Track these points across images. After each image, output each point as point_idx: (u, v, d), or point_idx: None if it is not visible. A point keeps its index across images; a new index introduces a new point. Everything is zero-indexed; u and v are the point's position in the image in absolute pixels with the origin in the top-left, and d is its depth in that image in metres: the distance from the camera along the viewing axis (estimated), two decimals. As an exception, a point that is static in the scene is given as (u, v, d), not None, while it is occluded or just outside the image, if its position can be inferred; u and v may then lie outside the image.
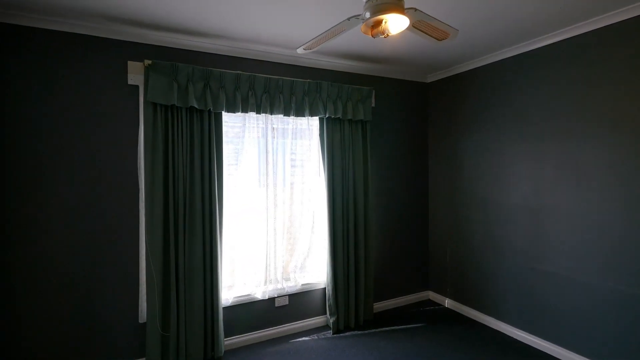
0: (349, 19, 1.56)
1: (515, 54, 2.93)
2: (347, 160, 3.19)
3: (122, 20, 2.31)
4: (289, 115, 2.93)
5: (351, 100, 3.19)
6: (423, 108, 3.86)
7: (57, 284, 2.33)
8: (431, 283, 3.89)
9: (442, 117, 3.72)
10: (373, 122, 3.54)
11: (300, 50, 1.89)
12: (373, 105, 3.52)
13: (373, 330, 3.15)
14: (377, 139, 3.57)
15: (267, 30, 2.52)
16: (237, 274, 2.91)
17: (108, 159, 2.46)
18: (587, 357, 2.49)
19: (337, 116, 3.09)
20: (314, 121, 3.18)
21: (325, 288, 3.26)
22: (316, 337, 3.03)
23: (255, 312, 2.97)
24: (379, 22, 1.48)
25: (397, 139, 3.69)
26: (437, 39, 1.74)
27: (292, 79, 2.96)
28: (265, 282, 2.98)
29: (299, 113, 2.98)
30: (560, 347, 2.65)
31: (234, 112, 2.72)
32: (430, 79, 3.82)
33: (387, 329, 3.18)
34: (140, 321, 2.55)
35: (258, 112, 2.81)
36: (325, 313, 3.29)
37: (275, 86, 2.86)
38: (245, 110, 2.76)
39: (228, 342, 2.85)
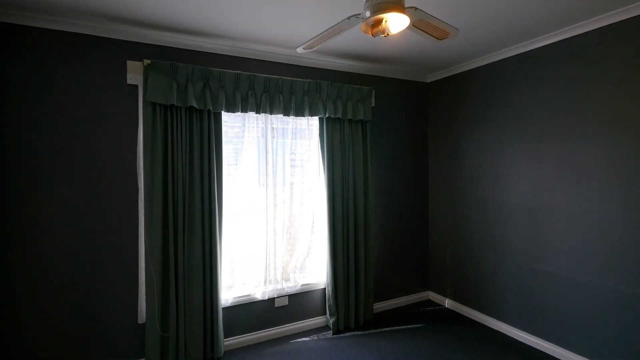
0: (349, 18, 1.56)
1: (515, 53, 2.93)
2: (347, 160, 3.18)
3: (122, 19, 2.31)
4: (288, 115, 2.92)
5: (351, 100, 3.18)
6: (423, 108, 3.86)
7: (56, 284, 2.33)
8: (431, 283, 3.89)
9: (442, 117, 3.72)
10: (373, 122, 3.53)
11: (300, 50, 1.89)
12: (373, 105, 3.52)
13: (373, 331, 3.15)
14: (377, 139, 3.57)
15: (267, 30, 2.51)
16: (236, 274, 2.91)
17: (107, 158, 2.45)
18: (587, 357, 2.48)
19: (337, 116, 3.08)
20: (314, 121, 3.18)
21: (325, 288, 3.25)
22: (316, 338, 3.03)
23: (255, 313, 2.97)
24: (379, 21, 1.48)
25: (397, 139, 3.68)
26: (438, 39, 1.74)
27: (292, 78, 2.95)
28: (265, 282, 2.97)
29: (299, 113, 2.97)
30: (560, 348, 2.65)
31: (234, 112, 2.71)
32: (431, 78, 3.82)
33: (387, 329, 3.18)
34: (140, 321, 2.54)
35: (258, 112, 2.81)
36: (325, 313, 3.28)
37: (275, 86, 2.86)
38: (244, 110, 2.76)
39: (228, 342, 2.84)
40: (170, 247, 2.49)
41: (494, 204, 3.16)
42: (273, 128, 2.99)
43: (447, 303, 3.65)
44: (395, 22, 1.48)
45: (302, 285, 3.15)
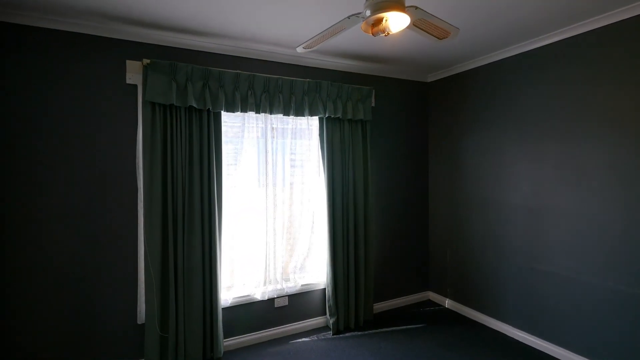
0: (349, 17, 1.55)
1: (515, 53, 2.93)
2: (347, 160, 3.18)
3: (122, 19, 2.30)
4: (288, 115, 2.91)
5: (351, 99, 3.18)
6: (423, 108, 3.86)
7: (55, 284, 2.32)
8: (431, 283, 3.88)
9: (442, 117, 3.71)
10: (373, 121, 3.53)
11: (299, 49, 1.88)
12: (373, 104, 3.51)
13: (373, 331, 3.14)
14: (377, 139, 3.56)
15: (267, 30, 2.51)
16: (236, 274, 2.90)
17: (107, 158, 2.45)
18: (587, 357, 2.48)
19: (337, 116, 3.08)
20: (314, 121, 3.17)
21: (325, 288, 3.25)
22: (316, 338, 3.02)
23: (255, 313, 2.96)
24: (380, 21, 1.47)
25: (397, 139, 3.68)
26: (438, 38, 1.73)
27: (292, 78, 2.94)
28: (265, 282, 2.96)
29: (299, 113, 2.97)
30: (560, 348, 2.64)
31: (233, 112, 2.71)
32: (431, 78, 3.82)
33: (387, 329, 3.17)
34: (139, 322, 2.54)
35: (257, 112, 2.80)
36: (325, 314, 3.28)
37: (275, 86, 2.85)
38: (244, 109, 2.75)
39: (227, 343, 2.83)
40: (170, 247, 2.48)
41: (494, 204, 3.16)
42: (273, 128, 2.99)
43: (447, 303, 3.65)
44: (396, 21, 1.47)
45: (302, 285, 3.14)
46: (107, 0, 2.04)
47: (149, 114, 2.43)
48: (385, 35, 1.51)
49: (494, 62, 3.14)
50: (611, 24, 2.33)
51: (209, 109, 2.58)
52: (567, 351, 2.60)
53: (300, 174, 3.11)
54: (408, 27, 1.60)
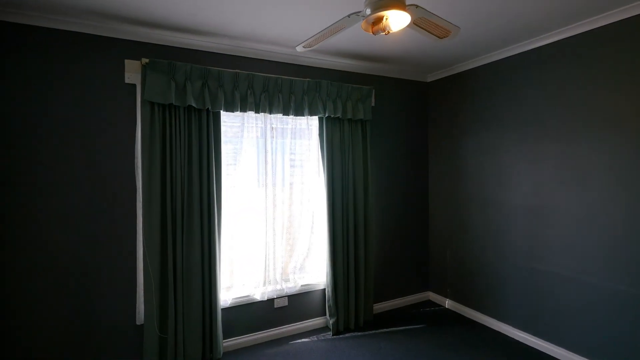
0: (349, 15, 1.54)
1: (516, 52, 2.92)
2: (346, 160, 3.17)
3: (122, 18, 2.29)
4: (288, 115, 2.90)
5: (351, 99, 3.17)
6: (423, 108, 3.85)
7: (55, 285, 2.31)
8: (431, 284, 3.87)
9: (442, 117, 3.70)
10: (373, 121, 3.52)
11: (299, 48, 1.87)
12: (373, 104, 3.50)
13: (373, 332, 3.13)
14: (377, 139, 3.55)
15: (267, 29, 2.49)
16: (235, 274, 2.89)
17: (106, 158, 2.43)
18: (587, 357, 2.47)
19: (337, 115, 3.07)
20: (314, 121, 3.16)
21: (324, 289, 3.24)
22: (316, 339, 3.01)
23: (254, 314, 2.95)
24: (380, 19, 1.46)
25: (397, 138, 3.67)
26: (439, 37, 1.72)
27: (291, 78, 2.93)
28: (264, 283, 2.95)
29: (298, 112, 2.96)
30: (560, 348, 2.63)
31: (233, 112, 2.69)
32: (431, 78, 3.81)
33: (387, 330, 3.16)
34: (138, 322, 2.52)
35: (257, 112, 2.79)
36: (324, 314, 3.26)
37: (274, 85, 2.84)
38: (244, 109, 2.74)
39: (227, 343, 2.82)
40: (169, 248, 2.47)
41: (494, 204, 3.15)
42: (272, 128, 2.98)
43: (447, 303, 3.64)
44: (396, 20, 1.46)
45: (301, 285, 3.13)
46: (106, -1, 2.03)
47: (148, 113, 2.42)
48: (385, 34, 1.50)
49: (494, 61, 3.13)
50: (611, 23, 2.32)
51: (208, 108, 2.57)
52: (567, 351, 2.59)
53: (300, 174, 3.10)
54: (408, 25, 1.59)
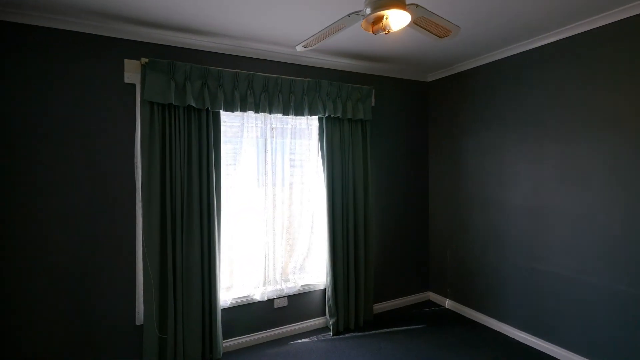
0: (349, 15, 1.54)
1: (516, 52, 2.92)
2: (346, 160, 3.16)
3: (122, 18, 2.29)
4: (288, 115, 2.90)
5: (351, 99, 3.16)
6: (423, 107, 3.85)
7: (54, 285, 2.30)
8: (431, 284, 3.87)
9: (442, 117, 3.70)
10: (373, 121, 3.52)
11: (299, 48, 1.87)
12: (373, 104, 3.50)
13: (373, 332, 3.13)
14: (377, 139, 3.55)
15: (268, 29, 2.49)
16: (235, 275, 2.88)
17: (105, 158, 2.43)
18: (587, 357, 2.47)
19: (337, 115, 3.06)
20: (313, 120, 3.16)
21: (324, 289, 3.23)
22: (316, 339, 3.00)
23: (254, 314, 2.94)
24: (380, 19, 1.46)
25: (397, 138, 3.67)
26: (439, 36, 1.72)
27: (291, 77, 2.93)
28: (264, 283, 2.95)
29: (298, 112, 2.95)
30: (560, 348, 2.63)
31: (233, 111, 2.69)
32: (431, 78, 3.81)
33: (387, 330, 3.16)
34: (137, 323, 2.52)
35: (257, 112, 2.79)
36: (324, 314, 3.26)
37: (274, 85, 2.84)
38: (243, 109, 2.74)
39: (226, 344, 2.82)
40: (169, 248, 2.47)
41: (494, 204, 3.15)
42: (272, 128, 2.97)
43: (448, 304, 3.64)
44: (396, 19, 1.46)
45: (301, 286, 3.12)
46: (106, -2, 2.03)
47: (148, 113, 2.42)
48: (385, 34, 1.50)
49: (494, 61, 3.13)
50: (610, 23, 2.32)
51: (207, 108, 2.57)
52: (567, 351, 2.59)
53: (299, 173, 3.10)
54: (409, 25, 1.59)
